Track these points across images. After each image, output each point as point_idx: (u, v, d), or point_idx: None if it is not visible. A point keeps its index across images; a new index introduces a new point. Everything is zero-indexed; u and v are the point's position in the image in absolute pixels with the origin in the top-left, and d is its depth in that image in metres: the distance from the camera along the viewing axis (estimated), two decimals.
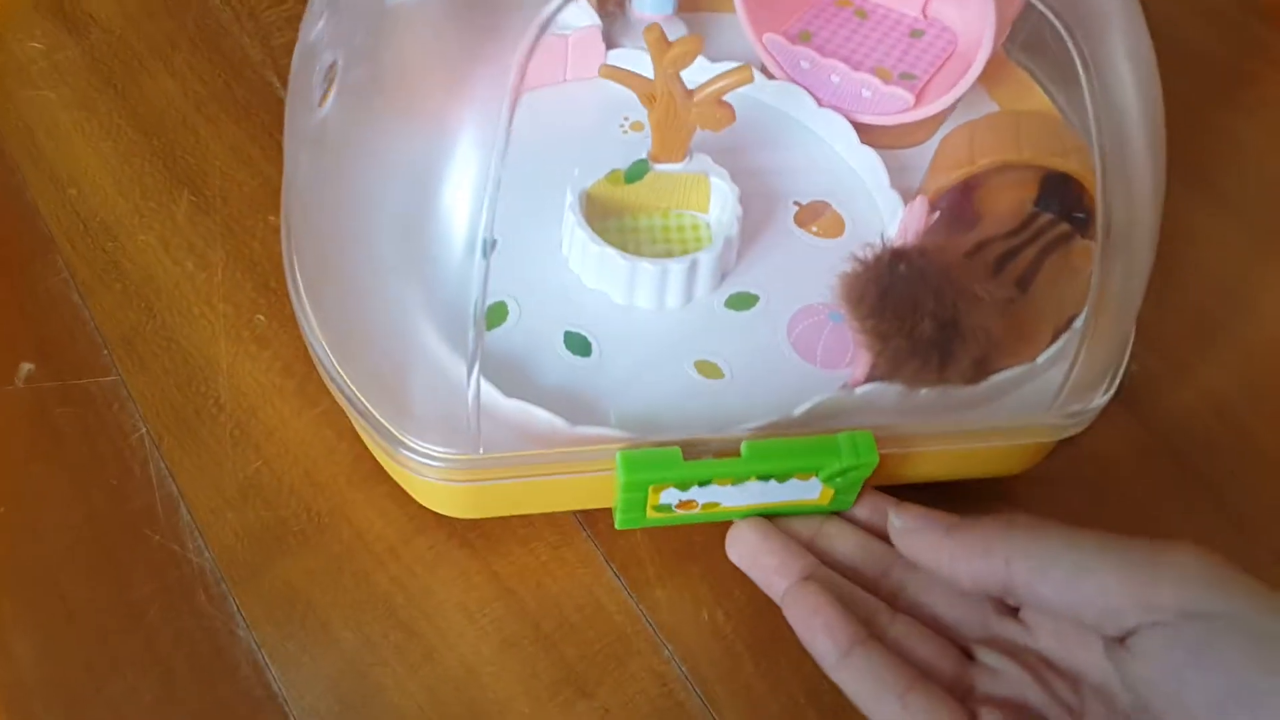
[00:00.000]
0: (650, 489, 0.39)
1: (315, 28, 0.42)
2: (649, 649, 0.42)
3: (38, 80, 0.56)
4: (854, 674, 0.37)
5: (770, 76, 0.51)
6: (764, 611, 0.41)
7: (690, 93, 0.43)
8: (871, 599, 0.40)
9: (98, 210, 0.52)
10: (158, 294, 0.50)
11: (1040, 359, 0.42)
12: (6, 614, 0.42)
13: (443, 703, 0.41)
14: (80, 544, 0.43)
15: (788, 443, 0.39)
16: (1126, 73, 0.39)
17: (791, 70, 0.51)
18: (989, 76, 0.49)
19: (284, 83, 0.52)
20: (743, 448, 0.39)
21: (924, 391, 0.40)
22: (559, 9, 0.33)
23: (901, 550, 0.39)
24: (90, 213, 0.52)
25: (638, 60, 0.51)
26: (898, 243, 0.41)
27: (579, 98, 0.51)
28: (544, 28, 0.33)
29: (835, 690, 0.37)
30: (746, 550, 0.41)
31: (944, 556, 0.37)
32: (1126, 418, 0.48)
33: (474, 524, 0.44)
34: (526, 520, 0.44)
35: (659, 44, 0.42)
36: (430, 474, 0.40)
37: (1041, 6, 0.36)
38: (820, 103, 0.50)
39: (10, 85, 0.56)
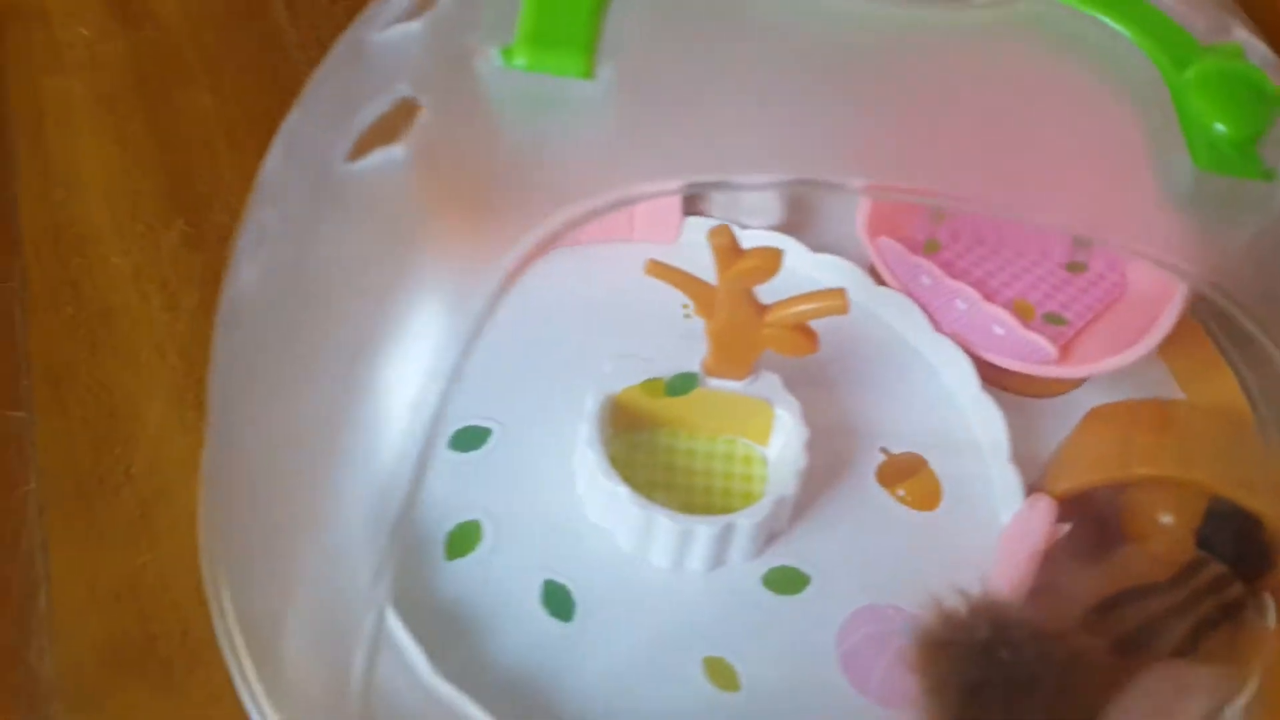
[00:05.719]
0: None
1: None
2: None
3: (69, 67, 0.50)
4: None
5: (880, 282, 0.41)
6: None
7: (763, 308, 0.34)
8: None
9: (78, 220, 0.45)
10: (109, 329, 0.42)
11: None
12: None
13: None
14: None
15: None
16: None
17: (908, 282, 0.41)
18: (1166, 340, 0.39)
19: None
20: None
21: None
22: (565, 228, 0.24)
23: None
24: (69, 221, 0.45)
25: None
26: (999, 586, 0.31)
27: (640, 263, 0.38)
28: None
29: None
30: None
31: None
32: None
33: None
34: None
35: (727, 252, 0.33)
36: None
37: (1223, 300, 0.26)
38: (938, 328, 0.40)
39: (38, 68, 0.50)
